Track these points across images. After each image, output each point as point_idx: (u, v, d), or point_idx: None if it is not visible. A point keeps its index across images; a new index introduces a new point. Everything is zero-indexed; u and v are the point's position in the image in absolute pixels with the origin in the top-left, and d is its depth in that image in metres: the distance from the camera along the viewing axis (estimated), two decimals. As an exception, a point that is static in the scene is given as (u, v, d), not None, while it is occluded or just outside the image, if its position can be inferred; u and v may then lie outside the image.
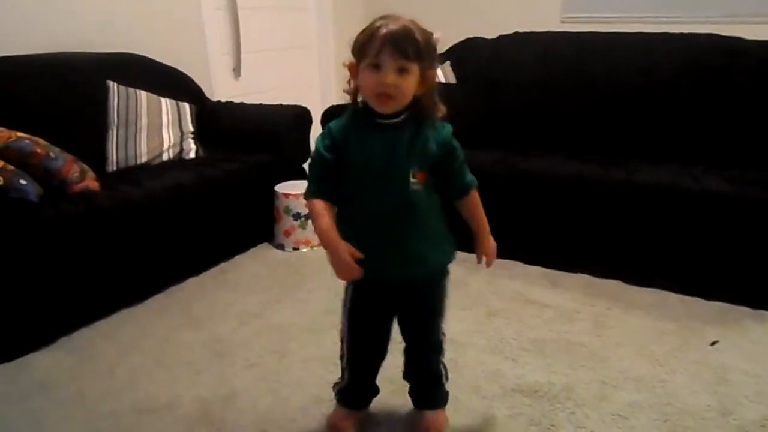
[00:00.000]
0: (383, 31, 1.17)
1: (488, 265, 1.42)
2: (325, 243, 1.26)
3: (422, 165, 1.27)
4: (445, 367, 1.53)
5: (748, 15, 2.95)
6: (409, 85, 1.20)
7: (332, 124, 1.31)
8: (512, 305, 2.17)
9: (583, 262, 2.40)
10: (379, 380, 1.59)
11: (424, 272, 1.36)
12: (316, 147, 1.31)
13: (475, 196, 1.38)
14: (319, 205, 1.28)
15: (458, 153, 1.33)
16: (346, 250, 1.23)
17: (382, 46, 1.17)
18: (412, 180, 1.25)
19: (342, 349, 1.49)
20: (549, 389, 1.69)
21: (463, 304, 2.16)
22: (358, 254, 1.23)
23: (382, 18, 1.21)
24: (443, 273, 1.42)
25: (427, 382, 1.53)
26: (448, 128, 1.31)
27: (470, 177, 1.38)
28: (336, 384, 1.55)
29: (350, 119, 1.29)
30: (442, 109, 1.29)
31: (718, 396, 1.65)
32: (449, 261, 1.40)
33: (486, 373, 1.77)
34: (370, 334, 1.45)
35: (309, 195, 1.31)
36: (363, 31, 1.22)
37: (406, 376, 1.56)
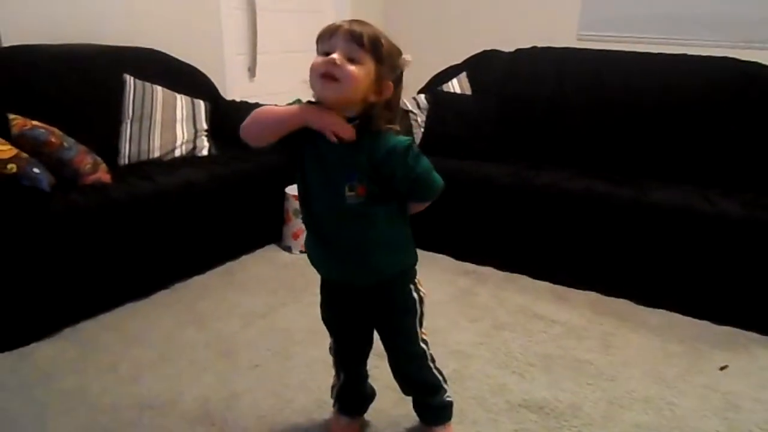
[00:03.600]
0: (341, 22, 1.16)
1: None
2: (284, 112, 1.20)
3: (360, 178, 1.19)
4: (440, 373, 1.46)
5: (765, 41, 2.94)
6: (358, 75, 1.12)
7: None
8: (519, 319, 2.15)
9: (592, 279, 2.38)
10: (380, 388, 1.58)
11: (368, 279, 1.30)
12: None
13: (421, 205, 1.32)
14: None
15: (404, 168, 1.20)
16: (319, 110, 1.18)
17: (337, 32, 1.15)
18: (348, 193, 1.19)
19: (330, 348, 1.49)
20: (556, 406, 1.67)
21: (470, 316, 2.15)
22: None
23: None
24: (400, 281, 1.33)
25: (423, 392, 1.47)
26: (398, 144, 1.19)
27: (427, 195, 1.28)
28: (333, 386, 1.54)
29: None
30: (393, 127, 1.21)
31: (727, 422, 1.62)
32: (402, 269, 1.33)
33: (492, 386, 1.75)
34: (343, 332, 1.44)
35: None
36: (324, 27, 1.19)
37: (402, 389, 1.50)
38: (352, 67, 1.13)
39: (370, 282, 1.31)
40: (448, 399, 1.50)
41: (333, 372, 1.52)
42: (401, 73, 1.21)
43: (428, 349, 1.42)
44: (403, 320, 1.36)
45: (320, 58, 1.15)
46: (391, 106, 1.22)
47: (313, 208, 1.26)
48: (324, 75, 1.13)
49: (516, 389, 1.74)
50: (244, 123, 1.25)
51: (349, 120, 1.18)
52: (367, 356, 1.48)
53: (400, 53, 1.20)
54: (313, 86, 1.17)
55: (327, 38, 1.16)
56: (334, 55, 1.13)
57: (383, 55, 1.15)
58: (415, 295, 1.36)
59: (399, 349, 1.41)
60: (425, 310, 1.38)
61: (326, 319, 1.44)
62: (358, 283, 1.32)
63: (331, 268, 1.32)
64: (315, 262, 1.34)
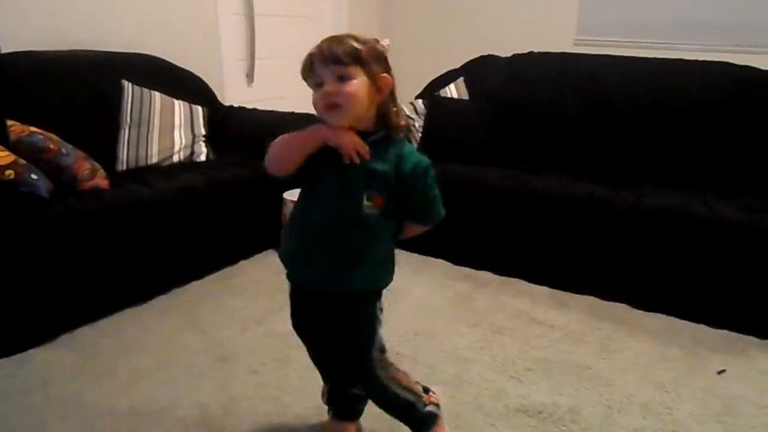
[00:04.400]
0: (314, 49, 1.18)
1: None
2: (303, 136, 1.22)
3: (379, 189, 1.20)
4: (410, 391, 1.40)
5: (761, 45, 2.96)
6: (355, 90, 1.15)
7: None
8: (518, 324, 2.15)
9: (590, 283, 2.38)
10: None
11: (348, 292, 1.29)
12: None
13: (421, 227, 1.32)
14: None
15: (421, 189, 1.23)
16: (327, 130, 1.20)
17: (315, 61, 1.17)
18: (366, 203, 1.20)
19: None
20: (554, 411, 1.67)
21: (469, 321, 2.15)
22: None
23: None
24: (370, 299, 1.32)
25: (392, 410, 1.43)
26: (418, 164, 1.22)
27: (431, 218, 1.29)
28: (322, 393, 1.53)
29: None
30: (403, 116, 1.25)
31: (725, 426, 1.62)
32: (378, 288, 1.32)
33: (490, 391, 1.75)
34: (314, 340, 1.43)
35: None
36: (302, 62, 1.21)
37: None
38: (346, 87, 1.15)
39: (351, 292, 1.29)
40: (427, 410, 1.43)
41: None
42: (386, 58, 1.23)
43: (386, 372, 1.36)
44: (362, 335, 1.33)
45: (317, 94, 1.18)
46: (394, 96, 1.24)
47: (319, 218, 1.25)
48: (326, 107, 1.17)
49: (514, 394, 1.74)
50: (268, 155, 1.27)
51: (370, 134, 1.21)
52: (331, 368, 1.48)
53: (376, 42, 1.21)
54: (324, 119, 1.20)
55: (310, 71, 1.19)
56: (327, 87, 1.16)
57: (365, 58, 1.16)
58: (378, 314, 1.34)
59: (347, 366, 1.41)
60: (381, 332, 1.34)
61: (296, 326, 1.43)
62: (338, 292, 1.29)
63: (313, 275, 1.30)
64: (294, 267, 1.33)
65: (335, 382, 1.50)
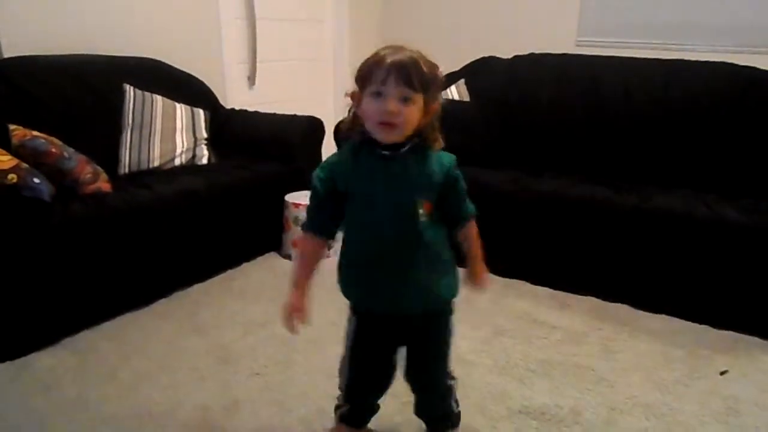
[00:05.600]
0: (389, 59, 1.15)
1: (480, 290, 1.38)
2: (291, 286, 1.32)
3: (428, 196, 1.24)
4: (456, 402, 1.48)
5: (762, 45, 2.96)
6: (412, 115, 1.17)
7: (331, 158, 1.28)
8: (519, 325, 2.15)
9: (592, 285, 2.38)
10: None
11: (428, 306, 1.32)
12: (313, 182, 1.27)
13: (472, 225, 1.34)
14: (309, 244, 1.31)
15: (461, 183, 1.30)
16: (291, 306, 1.30)
17: (387, 74, 1.14)
18: (420, 212, 1.22)
19: (341, 381, 1.45)
20: (556, 412, 1.66)
21: (470, 323, 2.15)
22: (301, 312, 1.30)
23: (388, 47, 1.17)
24: (448, 309, 1.37)
25: (438, 419, 1.49)
26: (452, 158, 1.28)
27: (470, 206, 1.34)
28: (337, 407, 1.50)
29: (351, 152, 1.25)
30: (440, 142, 1.26)
31: (728, 427, 1.62)
32: (454, 296, 1.34)
33: (492, 393, 1.75)
34: (372, 368, 1.40)
35: (304, 226, 1.33)
36: (368, 59, 1.18)
37: (417, 413, 1.50)
38: (407, 110, 1.16)
39: (427, 308, 1.32)
40: (456, 414, 1.49)
41: (336, 383, 1.48)
42: (440, 85, 1.25)
43: (454, 385, 1.46)
44: (441, 351, 1.39)
45: (374, 105, 1.16)
46: (435, 123, 1.25)
47: (372, 239, 1.25)
48: (382, 124, 1.17)
49: (516, 395, 1.74)
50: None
51: (401, 145, 1.22)
52: (383, 394, 1.47)
53: (437, 68, 1.22)
54: (369, 129, 1.20)
55: (375, 75, 1.15)
56: (390, 106, 1.14)
57: (430, 85, 1.18)
58: (452, 325, 1.38)
59: (433, 385, 1.43)
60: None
61: (360, 350, 1.38)
62: (411, 311, 1.30)
63: (383, 298, 1.29)
64: (361, 297, 1.33)
65: (365, 405, 1.48)
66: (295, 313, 1.30)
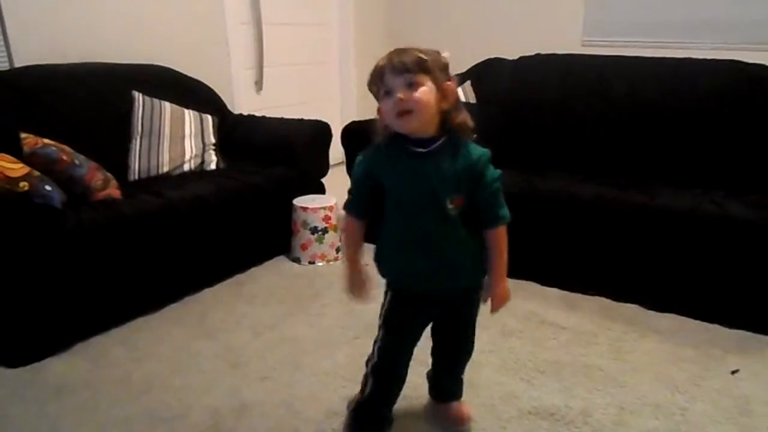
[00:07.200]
0: (383, 61, 1.25)
1: (493, 310, 1.43)
2: (347, 265, 1.45)
3: (457, 190, 1.29)
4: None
5: (770, 42, 2.94)
6: (424, 96, 1.22)
7: (366, 154, 1.36)
8: (528, 326, 2.15)
9: (600, 285, 2.37)
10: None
11: (463, 287, 1.42)
12: (354, 170, 1.39)
13: (500, 232, 1.35)
14: (351, 225, 1.42)
15: (488, 181, 1.31)
16: (358, 281, 1.43)
17: (384, 71, 1.24)
18: (449, 206, 1.29)
19: (372, 354, 1.50)
20: (566, 413, 1.66)
21: (478, 323, 2.12)
22: (366, 285, 1.44)
23: (386, 54, 1.27)
24: (476, 286, 1.45)
25: (454, 383, 1.62)
26: (482, 152, 1.32)
27: (502, 211, 1.35)
28: (350, 402, 1.55)
29: (384, 149, 1.33)
30: (468, 122, 1.31)
31: (739, 427, 1.61)
32: (483, 276, 1.43)
33: (501, 393, 1.75)
34: (405, 338, 1.47)
35: (346, 206, 1.43)
36: (371, 72, 1.28)
37: (437, 377, 1.62)
38: (416, 94, 1.22)
39: (461, 289, 1.43)
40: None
41: (345, 385, 1.53)
42: (447, 68, 1.29)
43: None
44: (471, 323, 1.53)
45: (387, 102, 1.25)
46: (458, 102, 1.31)
47: (407, 230, 1.34)
48: (399, 114, 1.24)
49: (525, 396, 1.74)
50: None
51: (436, 140, 1.28)
52: (407, 369, 1.52)
53: (439, 54, 1.28)
54: (393, 126, 1.28)
55: (379, 81, 1.26)
56: (398, 94, 1.22)
57: (431, 66, 1.24)
58: (478, 300, 1.49)
59: (460, 348, 1.56)
60: None
61: (395, 321, 1.46)
62: (449, 291, 1.41)
63: (418, 277, 1.38)
64: (397, 276, 1.43)
65: (395, 378, 1.53)
66: (356, 287, 1.43)
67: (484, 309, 1.48)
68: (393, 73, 1.23)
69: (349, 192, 1.41)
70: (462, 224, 1.32)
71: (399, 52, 1.25)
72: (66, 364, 1.90)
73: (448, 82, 1.27)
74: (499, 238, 1.35)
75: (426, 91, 1.22)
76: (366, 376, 1.52)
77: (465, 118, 1.30)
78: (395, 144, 1.30)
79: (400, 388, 1.53)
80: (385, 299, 1.46)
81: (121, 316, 2.14)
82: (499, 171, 1.33)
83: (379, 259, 1.42)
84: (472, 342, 1.56)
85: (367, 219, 1.40)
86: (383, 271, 1.43)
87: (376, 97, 1.29)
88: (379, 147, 1.34)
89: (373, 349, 1.50)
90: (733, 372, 1.86)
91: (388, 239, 1.38)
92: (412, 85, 1.22)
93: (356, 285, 1.43)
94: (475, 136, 1.33)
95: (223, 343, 2.04)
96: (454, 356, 1.58)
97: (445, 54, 1.29)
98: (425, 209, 1.30)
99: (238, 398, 1.73)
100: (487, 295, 1.42)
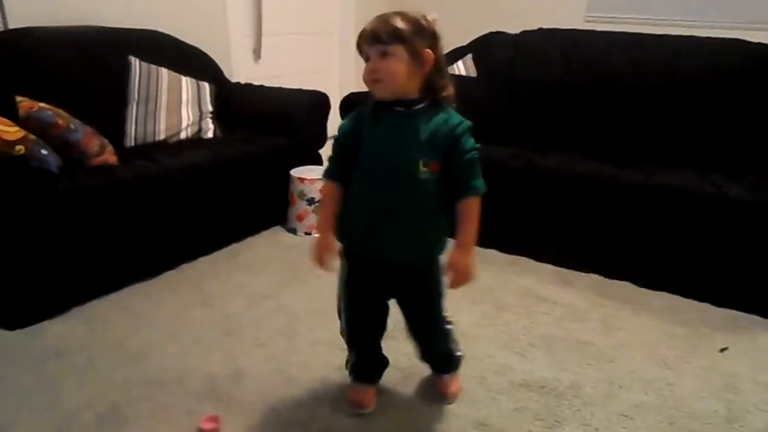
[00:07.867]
0: (364, 29, 1.28)
1: (452, 286, 1.35)
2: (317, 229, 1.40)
3: (432, 155, 1.28)
4: (455, 344, 1.61)
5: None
6: (393, 66, 1.24)
7: (352, 113, 1.38)
8: (522, 301, 2.17)
9: (595, 262, 2.39)
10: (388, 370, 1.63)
11: (408, 260, 1.40)
12: (338, 130, 1.40)
13: (470, 203, 1.31)
14: (328, 189, 1.42)
15: (464, 148, 1.29)
16: (325, 244, 1.39)
17: (362, 41, 1.28)
18: (422, 168, 1.28)
19: (341, 325, 1.55)
20: (556, 386, 1.69)
21: (473, 298, 2.17)
22: (334, 251, 1.40)
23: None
24: (431, 267, 1.43)
25: (439, 360, 1.64)
26: (462, 123, 1.31)
27: (475, 182, 1.32)
28: (347, 361, 1.61)
29: (371, 106, 1.35)
30: (449, 89, 1.32)
31: (725, 402, 1.64)
32: (435, 256, 1.42)
33: (494, 366, 1.78)
34: (365, 308, 1.49)
35: (324, 174, 1.44)
36: (357, 37, 1.30)
37: (420, 358, 1.64)
38: (386, 64, 1.25)
39: (419, 262, 1.41)
40: (457, 357, 1.63)
41: (339, 354, 1.58)
42: (434, 32, 1.29)
43: (451, 330, 1.58)
44: (433, 296, 1.47)
45: (366, 68, 1.29)
46: (440, 68, 1.30)
47: (375, 190, 1.33)
48: (370, 82, 1.28)
49: (517, 369, 1.77)
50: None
51: (416, 103, 1.30)
52: (380, 338, 1.56)
53: (423, 18, 1.27)
54: (371, 91, 1.32)
55: (361, 46, 1.29)
56: (371, 65, 1.27)
57: (406, 36, 1.24)
58: (437, 280, 1.45)
59: (428, 329, 1.54)
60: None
61: (354, 296, 1.48)
62: (392, 261, 1.39)
63: (370, 245, 1.39)
64: (352, 240, 1.42)
65: (369, 352, 1.57)
66: (324, 251, 1.40)
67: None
68: (368, 43, 1.26)
69: (329, 160, 1.42)
70: (433, 195, 1.30)
71: (379, 19, 1.26)
72: (63, 327, 1.91)
73: (427, 50, 1.26)
74: (469, 209, 1.31)
75: (394, 60, 1.24)
76: (347, 344, 1.58)
77: (446, 84, 1.31)
78: (380, 103, 1.32)
79: (378, 341, 1.57)
80: (342, 268, 1.46)
81: (117, 281, 2.15)
82: (478, 144, 1.31)
83: (339, 221, 1.40)
84: (442, 319, 1.53)
85: (343, 181, 1.38)
86: (342, 235, 1.41)
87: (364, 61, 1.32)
88: (366, 105, 1.36)
89: (341, 321, 1.55)
90: (722, 350, 1.89)
91: (354, 202, 1.37)
92: (386, 54, 1.24)
93: (324, 249, 1.39)
94: (454, 105, 1.34)
95: (219, 310, 2.06)
96: (424, 334, 1.56)
97: (432, 16, 1.29)
98: (397, 174, 1.30)
99: (234, 365, 1.75)
100: (448, 267, 1.34)
